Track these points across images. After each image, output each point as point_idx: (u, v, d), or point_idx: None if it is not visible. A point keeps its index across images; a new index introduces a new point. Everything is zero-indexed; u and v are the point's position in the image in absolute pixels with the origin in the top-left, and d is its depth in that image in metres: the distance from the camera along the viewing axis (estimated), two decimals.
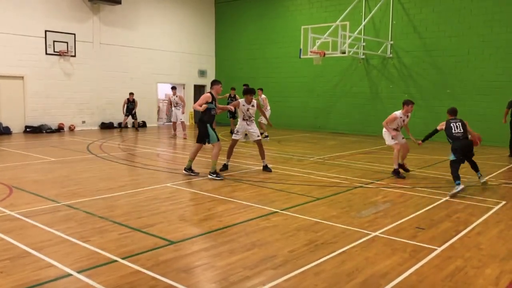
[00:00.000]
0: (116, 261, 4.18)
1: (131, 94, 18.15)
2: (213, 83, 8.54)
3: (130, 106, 18.01)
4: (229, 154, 9.29)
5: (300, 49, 15.80)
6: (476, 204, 6.73)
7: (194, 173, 8.46)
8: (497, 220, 5.87)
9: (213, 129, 8.47)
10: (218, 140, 8.45)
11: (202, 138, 8.43)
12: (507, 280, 3.94)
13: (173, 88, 16.49)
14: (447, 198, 7.02)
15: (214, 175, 8.19)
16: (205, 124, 8.37)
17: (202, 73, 23.06)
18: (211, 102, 8.22)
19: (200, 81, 23.17)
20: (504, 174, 9.51)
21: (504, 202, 6.85)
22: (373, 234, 5.16)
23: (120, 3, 18.76)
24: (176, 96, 16.20)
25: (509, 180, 8.73)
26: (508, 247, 4.82)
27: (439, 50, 16.18)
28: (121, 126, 18.36)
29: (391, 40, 17.25)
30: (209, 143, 8.45)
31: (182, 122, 16.10)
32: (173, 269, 4.02)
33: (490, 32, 15.05)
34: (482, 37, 15.21)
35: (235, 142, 9.34)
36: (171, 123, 16.78)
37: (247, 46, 22.00)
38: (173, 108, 16.24)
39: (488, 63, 15.16)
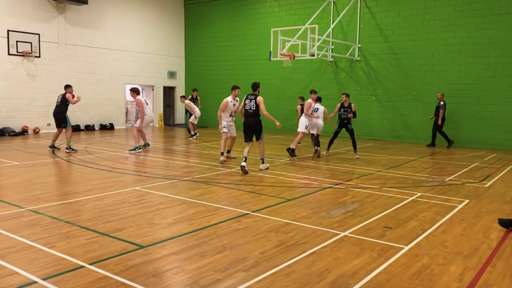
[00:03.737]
0: (83, 266, 4.08)
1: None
2: None
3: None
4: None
5: (270, 52, 15.90)
6: (441, 203, 6.93)
7: (56, 148, 12.14)
8: (461, 218, 6.06)
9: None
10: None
11: (61, 123, 11.80)
12: (471, 277, 4.07)
13: (182, 97, 17.00)
14: (414, 198, 7.21)
15: (70, 149, 11.62)
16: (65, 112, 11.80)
17: (171, 75, 22.84)
18: None
19: (170, 83, 22.95)
20: (467, 173, 9.83)
21: (467, 201, 7.09)
22: (343, 234, 5.23)
23: (86, 2, 18.34)
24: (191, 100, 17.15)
25: (472, 179, 9.04)
26: (472, 244, 4.98)
27: (405, 53, 16.59)
28: (194, 134, 16.48)
29: (358, 43, 17.57)
30: (65, 127, 11.80)
31: (193, 124, 16.60)
32: (143, 274, 3.96)
33: (452, 36, 15.55)
34: (446, 41, 15.70)
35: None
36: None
37: (217, 47, 21.93)
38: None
39: (451, 66, 15.65)
